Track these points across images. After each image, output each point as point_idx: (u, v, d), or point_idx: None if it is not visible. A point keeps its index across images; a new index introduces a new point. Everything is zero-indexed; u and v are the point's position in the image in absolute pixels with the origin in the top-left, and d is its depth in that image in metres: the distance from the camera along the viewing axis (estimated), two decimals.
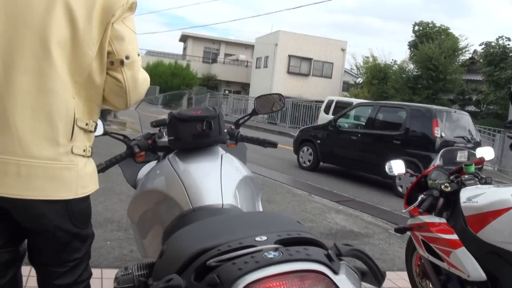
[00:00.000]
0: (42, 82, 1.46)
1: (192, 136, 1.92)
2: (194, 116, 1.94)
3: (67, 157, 1.53)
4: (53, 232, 1.56)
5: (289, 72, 35.03)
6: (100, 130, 2.15)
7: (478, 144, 9.20)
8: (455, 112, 9.99)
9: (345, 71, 37.68)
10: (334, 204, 7.17)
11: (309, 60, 35.13)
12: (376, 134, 9.87)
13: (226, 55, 46.87)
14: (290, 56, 34.86)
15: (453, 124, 9.41)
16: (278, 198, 7.13)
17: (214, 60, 45.44)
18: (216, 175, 1.76)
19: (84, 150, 1.59)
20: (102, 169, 2.08)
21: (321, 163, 11.02)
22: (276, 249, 1.08)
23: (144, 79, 1.72)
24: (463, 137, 9.35)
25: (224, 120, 2.05)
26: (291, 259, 1.04)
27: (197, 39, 47.44)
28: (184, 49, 50.58)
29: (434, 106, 10.22)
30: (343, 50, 35.95)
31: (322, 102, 20.60)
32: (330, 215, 6.33)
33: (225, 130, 2.04)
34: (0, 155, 1.45)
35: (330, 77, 35.48)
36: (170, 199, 1.74)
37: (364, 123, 10.48)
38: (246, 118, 2.38)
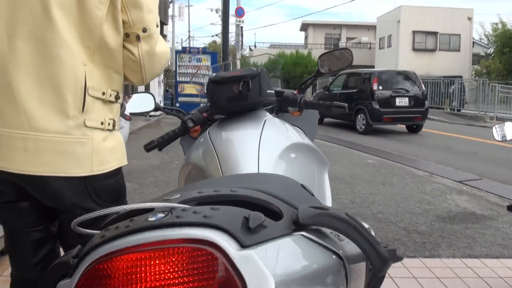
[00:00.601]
0: (46, 49, 1.34)
1: (227, 99, 1.71)
2: (229, 77, 1.72)
3: (79, 130, 1.39)
4: (71, 210, 1.44)
5: (414, 49, 33.50)
6: (151, 105, 2.03)
7: (422, 95, 14.23)
8: (396, 71, 15.39)
9: (474, 42, 35.13)
10: (457, 185, 6.56)
11: (434, 34, 33.27)
12: (346, 93, 14.66)
13: (348, 39, 46.02)
14: (414, 32, 33.30)
15: (393, 80, 14.27)
16: (395, 180, 6.70)
17: (336, 45, 44.76)
18: (254, 142, 1.52)
19: (102, 123, 1.43)
20: (154, 146, 1.94)
21: (324, 118, 15.76)
22: (171, 209, 0.75)
23: (162, 52, 1.54)
24: (401, 89, 13.97)
25: (269, 79, 1.80)
26: (173, 223, 0.70)
27: (317, 26, 47.10)
28: (305, 38, 50.42)
29: (379, 69, 15.67)
30: (469, 18, 33.51)
31: (451, 77, 19.91)
32: (450, 197, 5.78)
33: (271, 91, 1.78)
34: (6, 129, 1.36)
35: (458, 50, 33.31)
36: (205, 171, 1.55)
37: (341, 87, 15.23)
38: (310, 80, 2.07)
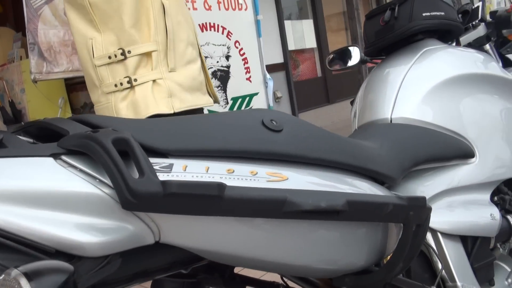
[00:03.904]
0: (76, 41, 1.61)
1: (374, 34, 1.51)
2: (378, 7, 1.53)
3: (104, 97, 1.61)
4: None
5: None
6: (356, 59, 1.84)
7: None
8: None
9: None
10: None
11: None
12: None
13: None
14: None
15: None
16: None
17: None
18: (395, 82, 1.34)
19: (115, 85, 1.57)
20: None
21: None
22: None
23: None
24: None
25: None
26: None
27: None
28: None
29: None
30: None
31: None
32: None
33: (435, 13, 1.45)
34: None
35: None
36: (352, 122, 1.49)
37: None
38: None
